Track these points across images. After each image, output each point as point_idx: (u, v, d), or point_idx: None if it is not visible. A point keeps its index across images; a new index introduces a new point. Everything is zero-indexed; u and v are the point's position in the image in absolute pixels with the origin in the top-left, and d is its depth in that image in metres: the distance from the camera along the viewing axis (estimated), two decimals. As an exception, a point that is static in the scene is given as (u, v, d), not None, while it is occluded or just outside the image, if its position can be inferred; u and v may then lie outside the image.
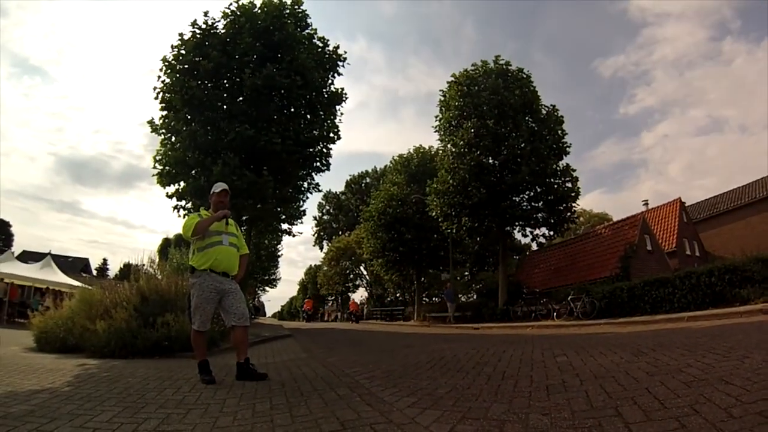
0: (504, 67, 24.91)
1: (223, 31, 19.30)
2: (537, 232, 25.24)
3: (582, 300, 18.08)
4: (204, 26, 19.13)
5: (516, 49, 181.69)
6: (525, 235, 26.09)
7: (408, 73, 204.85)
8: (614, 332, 11.33)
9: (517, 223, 24.92)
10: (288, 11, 20.31)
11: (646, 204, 39.06)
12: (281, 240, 45.51)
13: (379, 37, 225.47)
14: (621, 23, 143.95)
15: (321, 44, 21.40)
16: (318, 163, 21.84)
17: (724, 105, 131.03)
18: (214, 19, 19.42)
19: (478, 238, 29.39)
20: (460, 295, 33.24)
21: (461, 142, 23.96)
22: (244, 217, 19.82)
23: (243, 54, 18.73)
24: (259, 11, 19.65)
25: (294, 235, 24.24)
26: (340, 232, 66.95)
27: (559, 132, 24.21)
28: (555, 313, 19.45)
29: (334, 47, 21.70)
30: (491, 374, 5.00)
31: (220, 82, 19.29)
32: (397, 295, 49.25)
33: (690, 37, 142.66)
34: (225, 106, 18.92)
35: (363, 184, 67.83)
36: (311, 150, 21.04)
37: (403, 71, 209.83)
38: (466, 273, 45.07)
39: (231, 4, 19.52)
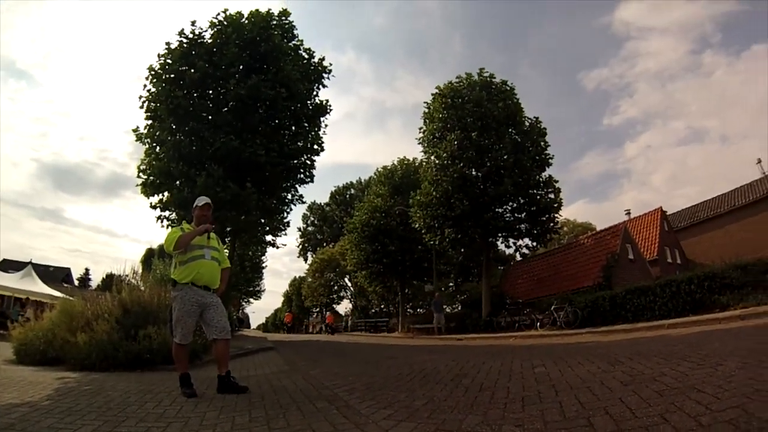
0: (488, 79, 25.13)
1: (209, 41, 19.30)
2: (520, 242, 25.45)
3: (565, 310, 18.23)
4: (191, 36, 19.10)
5: (502, 62, 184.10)
6: (508, 246, 26.35)
7: (395, 84, 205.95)
8: (595, 341, 11.46)
9: (500, 234, 25.04)
10: (275, 22, 20.45)
11: (629, 213, 39.74)
12: (266, 251, 45.37)
13: (367, 48, 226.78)
14: (605, 37, 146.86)
15: (307, 56, 21.50)
16: (302, 175, 21.77)
17: (705, 116, 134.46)
18: (202, 29, 19.41)
19: (462, 249, 29.50)
20: (444, 306, 33.23)
21: (444, 154, 24.10)
22: (228, 229, 19.75)
23: (229, 64, 18.67)
24: (246, 22, 19.71)
25: (278, 247, 24.02)
26: (324, 244, 66.72)
27: (542, 144, 24.44)
28: (538, 323, 19.58)
29: (320, 59, 21.81)
30: (469, 386, 5.06)
31: (206, 93, 19.26)
32: (382, 306, 49.13)
33: (672, 50, 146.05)
34: (210, 117, 18.91)
35: (347, 196, 67.78)
36: (295, 162, 21.03)
37: (390, 83, 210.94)
38: (451, 284, 45.11)
39: (219, 14, 19.57)
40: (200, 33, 19.35)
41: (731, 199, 36.35)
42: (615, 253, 24.70)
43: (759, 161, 37.71)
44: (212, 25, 19.52)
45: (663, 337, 9.81)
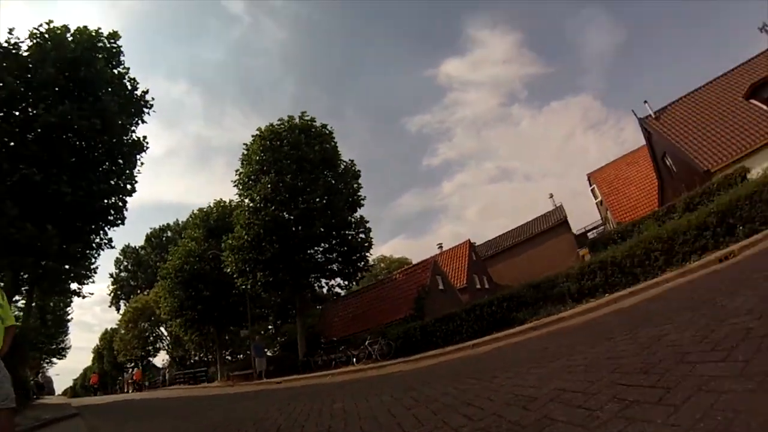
0: (309, 123, 25.64)
1: (26, 54, 17.28)
2: (332, 282, 26.10)
3: (379, 342, 18.86)
4: (5, 45, 16.90)
5: (331, 105, 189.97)
6: (321, 287, 27.00)
7: (224, 122, 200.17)
8: (405, 370, 12.25)
9: (312, 276, 25.45)
10: (102, 44, 19.18)
11: (441, 247, 43.48)
12: (71, 302, 41.45)
13: (201, 81, 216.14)
14: (430, 87, 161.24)
15: (130, 87, 20.52)
16: (112, 217, 20.41)
17: (513, 158, 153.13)
18: (19, 39, 17.26)
19: (279, 292, 29.30)
20: (266, 350, 32.59)
21: (258, 197, 24.03)
22: (24, 277, 17.87)
23: (42, 85, 16.85)
24: (71, 39, 18.14)
25: (84, 297, 21.81)
26: (139, 291, 62.37)
27: (355, 185, 25.41)
28: (354, 359, 20.06)
29: (143, 92, 20.90)
30: (268, 429, 5.30)
31: (11, 114, 17.05)
32: (201, 355, 47.02)
33: (486, 102, 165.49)
34: (12, 144, 16.87)
35: (164, 238, 64.14)
36: (105, 202, 19.73)
37: (219, 120, 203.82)
38: (270, 326, 44.52)
39: (42, 24, 17.72)
40: (16, 43, 17.20)
41: (529, 229, 41.76)
42: (425, 285, 26.24)
43: (551, 195, 45.18)
44: (32, 35, 17.61)
45: (465, 357, 10.88)
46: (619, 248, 13.61)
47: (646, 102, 27.12)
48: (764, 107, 21.00)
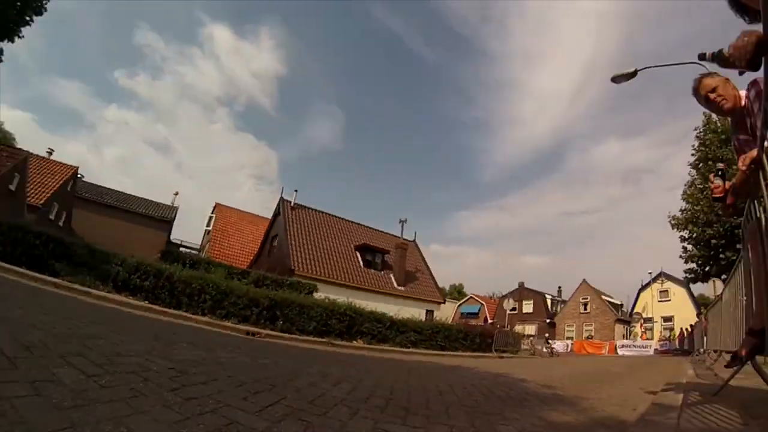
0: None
1: None
2: None
3: None
4: None
5: None
6: None
7: None
8: None
9: None
10: None
11: (50, 153, 36.62)
12: None
13: None
14: (189, 27, 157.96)
15: None
16: None
17: (183, 141, 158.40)
18: None
19: None
20: None
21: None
22: None
23: None
24: None
25: None
26: None
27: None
28: None
29: None
30: None
31: None
32: None
33: (210, 85, 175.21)
34: None
35: None
36: None
37: None
38: None
39: None
40: None
41: (137, 204, 42.55)
42: (-3, 175, 23.43)
43: (176, 193, 48.08)
44: None
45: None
46: (184, 272, 14.09)
47: (296, 191, 33.49)
48: (359, 261, 31.68)
